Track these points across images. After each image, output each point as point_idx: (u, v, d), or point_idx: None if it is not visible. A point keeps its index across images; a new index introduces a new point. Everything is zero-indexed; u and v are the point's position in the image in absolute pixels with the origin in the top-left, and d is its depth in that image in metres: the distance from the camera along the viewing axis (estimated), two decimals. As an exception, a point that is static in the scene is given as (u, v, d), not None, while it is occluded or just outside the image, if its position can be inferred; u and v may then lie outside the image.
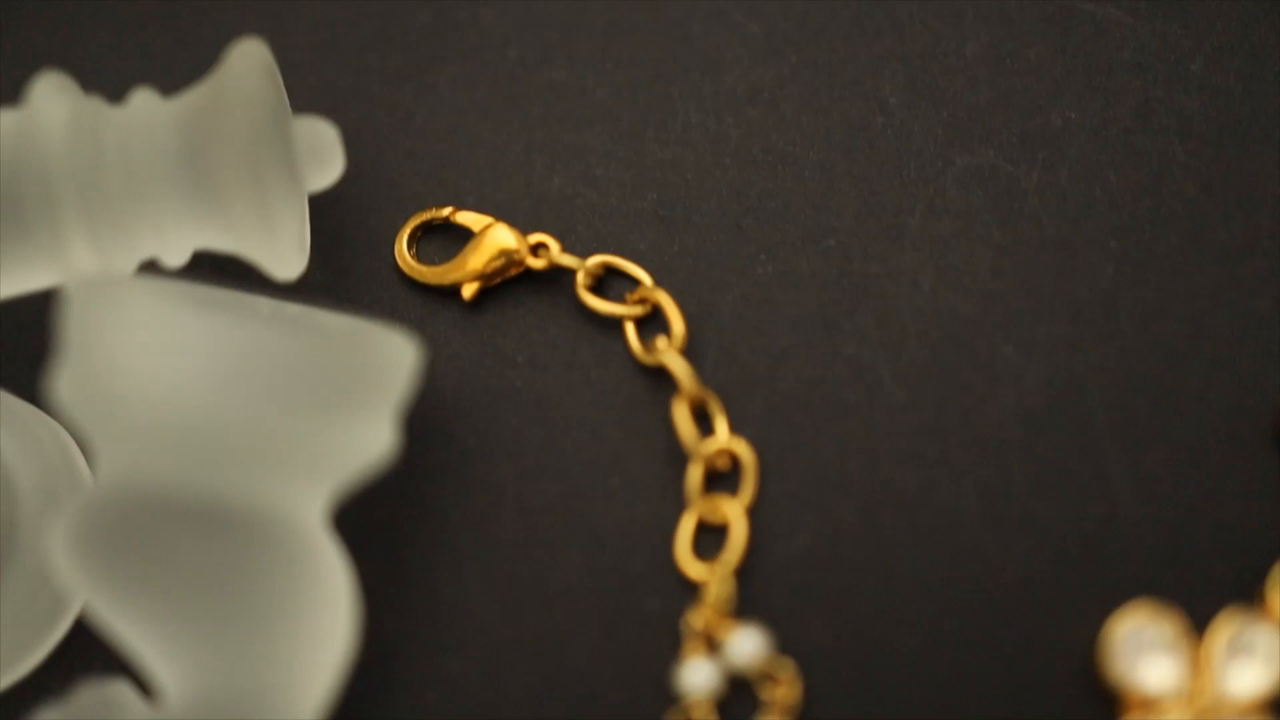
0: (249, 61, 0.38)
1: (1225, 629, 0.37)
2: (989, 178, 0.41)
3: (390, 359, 0.37)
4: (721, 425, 0.39)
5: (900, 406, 0.39)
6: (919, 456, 0.39)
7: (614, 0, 0.43)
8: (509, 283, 0.41)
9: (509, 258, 0.40)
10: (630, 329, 0.40)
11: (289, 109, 0.39)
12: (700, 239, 0.41)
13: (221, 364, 0.35)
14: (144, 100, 0.39)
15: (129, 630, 0.36)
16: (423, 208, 0.41)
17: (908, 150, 0.41)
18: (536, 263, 0.40)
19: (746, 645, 0.37)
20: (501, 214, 0.41)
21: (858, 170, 0.41)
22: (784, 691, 0.37)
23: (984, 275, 0.40)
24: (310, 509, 0.37)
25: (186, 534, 0.36)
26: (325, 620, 0.37)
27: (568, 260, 0.40)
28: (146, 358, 0.35)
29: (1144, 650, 0.37)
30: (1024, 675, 0.38)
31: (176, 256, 0.39)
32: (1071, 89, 0.41)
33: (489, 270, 0.40)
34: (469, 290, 0.40)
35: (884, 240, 0.40)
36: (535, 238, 0.40)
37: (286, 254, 0.39)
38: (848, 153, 0.41)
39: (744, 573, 0.39)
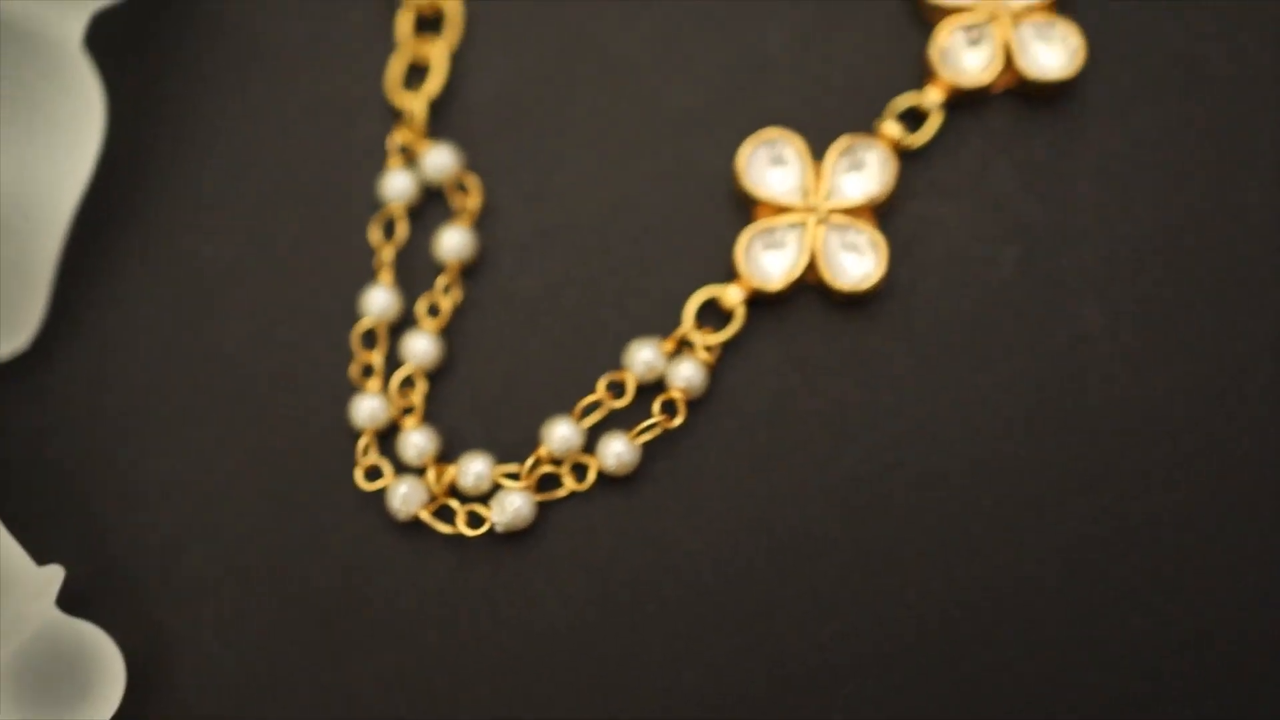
0: None
1: (840, 147, 0.43)
2: None
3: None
4: (433, -23, 0.45)
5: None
6: (606, 2, 0.45)
7: None
8: None
9: None
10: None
11: None
12: None
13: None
14: None
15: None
16: None
17: None
18: None
19: (439, 159, 0.44)
20: None
21: None
22: (472, 200, 0.44)
23: None
24: (75, 29, 0.43)
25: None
26: (80, 126, 0.43)
27: None
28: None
29: (770, 164, 0.43)
30: (679, 194, 0.44)
31: None
32: None
33: None
34: None
35: None
36: None
37: None
38: None
39: (445, 104, 0.45)
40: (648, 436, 0.42)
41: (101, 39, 0.45)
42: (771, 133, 0.43)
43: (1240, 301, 0.43)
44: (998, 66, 0.43)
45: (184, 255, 0.44)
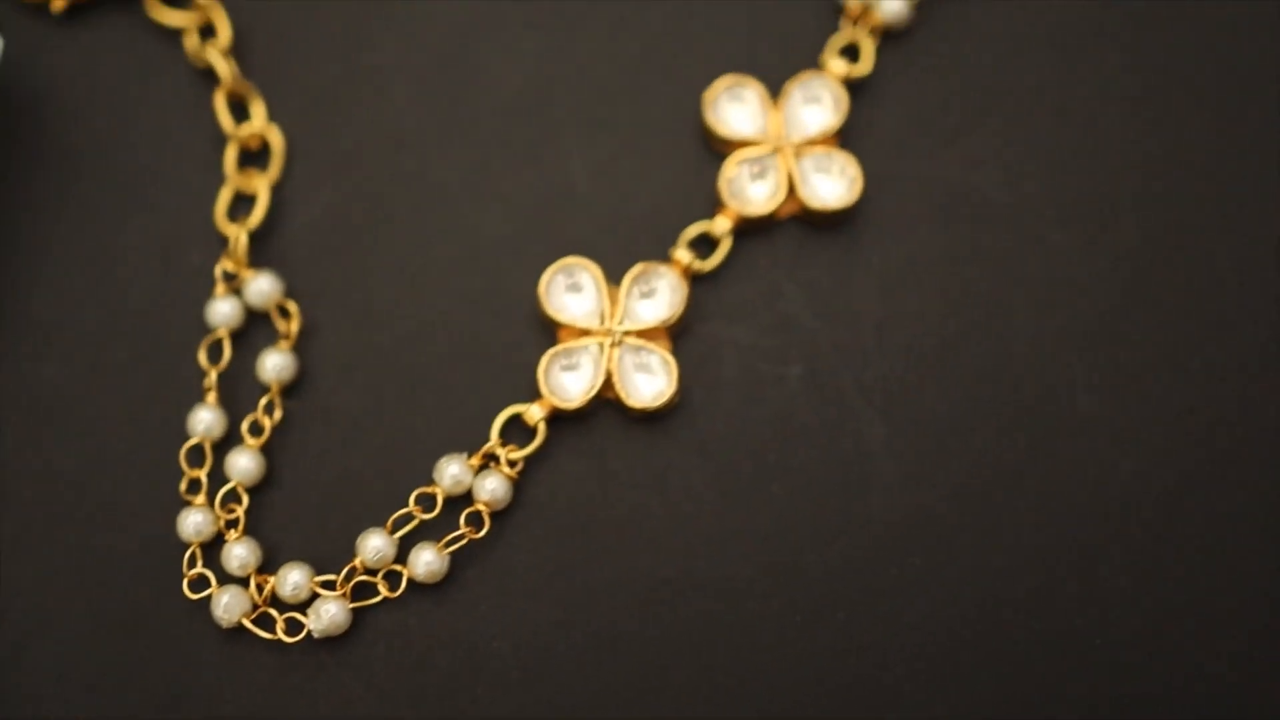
0: None
1: (634, 273, 0.46)
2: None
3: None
4: (258, 112, 0.48)
5: (408, 101, 0.48)
6: (423, 138, 0.48)
7: None
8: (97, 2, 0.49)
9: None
10: (190, 37, 0.49)
11: None
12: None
13: None
14: None
15: None
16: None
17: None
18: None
19: (261, 285, 0.47)
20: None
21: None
22: (293, 324, 0.47)
23: None
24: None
25: None
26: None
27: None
28: None
29: (568, 290, 0.46)
30: (489, 317, 0.47)
31: None
32: None
33: (75, -12, 0.49)
34: (58, 4, 0.49)
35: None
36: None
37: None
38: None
39: (268, 232, 0.48)
40: (455, 547, 0.45)
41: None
42: (570, 260, 0.46)
43: (1010, 417, 0.46)
44: (781, 196, 0.46)
45: (17, 378, 0.47)
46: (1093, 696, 0.44)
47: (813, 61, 0.48)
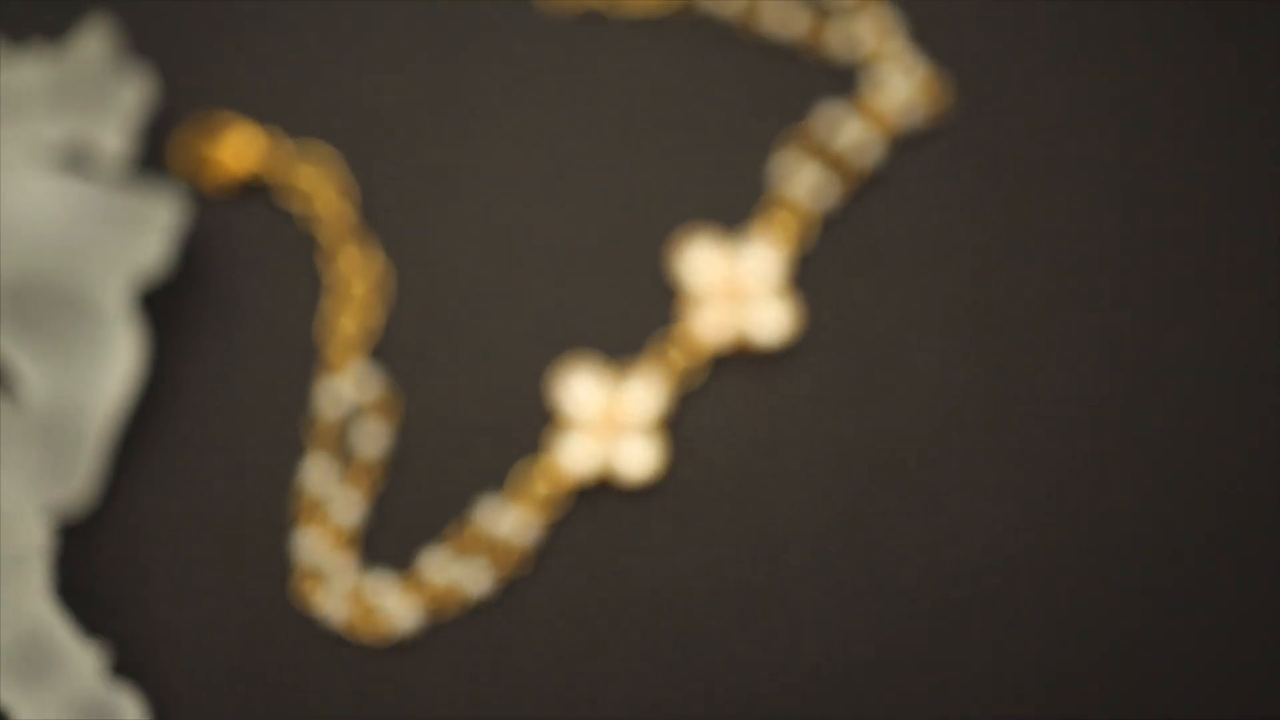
0: (92, 30, 0.65)
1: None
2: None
3: (160, 206, 0.64)
4: (368, 252, 0.67)
5: (479, 240, 0.67)
6: (488, 268, 0.67)
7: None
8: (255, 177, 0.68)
9: (251, 159, 0.68)
10: (319, 201, 0.67)
11: (120, 68, 0.66)
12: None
13: (63, 204, 0.62)
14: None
15: (13, 360, 0.63)
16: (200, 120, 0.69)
17: None
18: (265, 163, 0.68)
19: (369, 375, 0.65)
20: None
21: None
22: (392, 407, 0.65)
23: None
24: (116, 296, 0.64)
25: (43, 305, 0.63)
26: (119, 357, 0.64)
27: (283, 158, 0.68)
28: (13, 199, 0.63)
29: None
30: (510, 394, 0.66)
31: (40, 139, 0.66)
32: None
33: (237, 161, 0.68)
34: (221, 174, 0.67)
35: None
36: (271, 144, 0.68)
37: (113, 135, 0.66)
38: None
39: (378, 340, 0.66)
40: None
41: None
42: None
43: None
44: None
45: (202, 431, 0.65)
46: None
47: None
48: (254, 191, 0.68)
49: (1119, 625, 0.62)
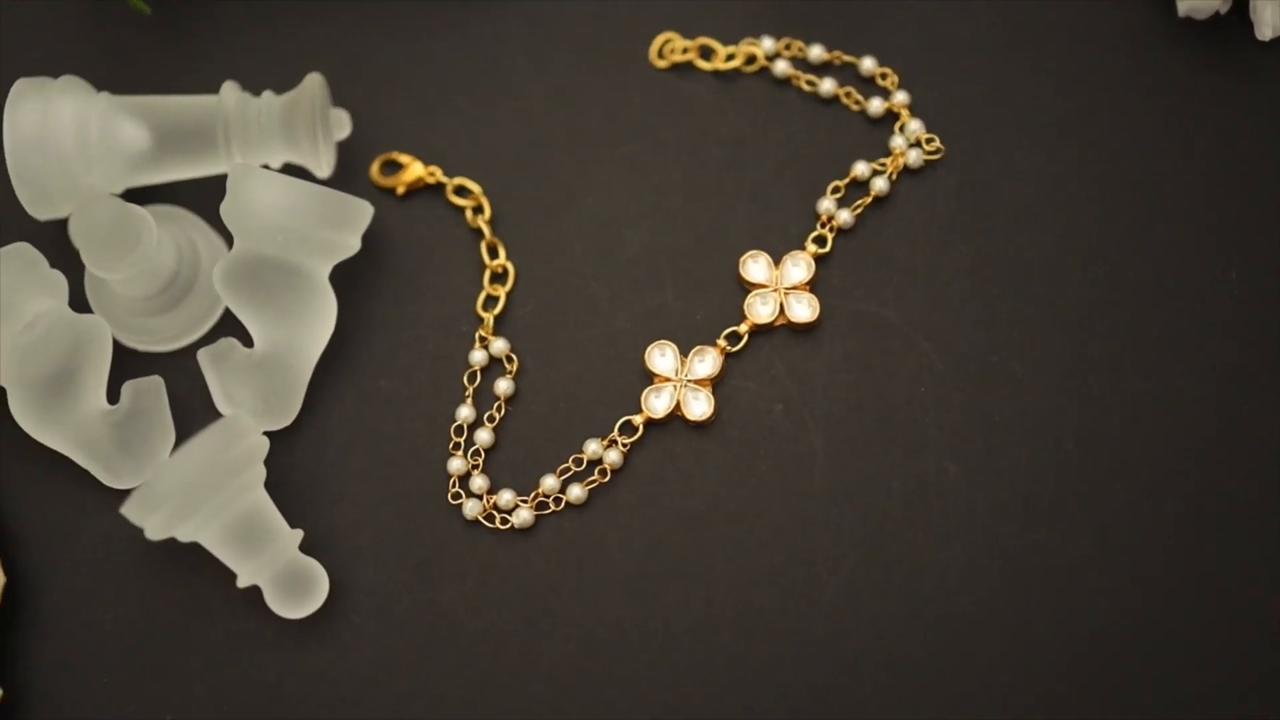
0: (314, 82, 0.89)
1: (694, 351, 0.86)
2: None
3: (360, 209, 0.87)
4: (502, 252, 0.89)
5: (580, 250, 0.89)
6: (591, 268, 0.89)
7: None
8: (421, 190, 0.91)
9: (421, 179, 0.91)
10: (468, 211, 0.90)
11: (330, 103, 0.89)
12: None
13: (292, 203, 0.86)
14: (267, 96, 0.89)
15: (245, 317, 0.87)
16: (384, 151, 0.92)
17: None
18: (430, 180, 0.91)
19: (499, 344, 0.88)
20: (424, 157, 0.92)
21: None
22: (514, 366, 0.88)
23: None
24: (324, 270, 0.87)
25: (271, 274, 0.86)
26: (324, 318, 0.87)
27: (443, 178, 0.90)
28: (259, 196, 0.86)
29: (659, 356, 0.86)
30: (619, 368, 0.87)
31: (276, 162, 0.89)
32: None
33: (410, 182, 0.91)
34: (401, 190, 0.90)
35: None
36: (433, 168, 0.91)
37: (325, 166, 0.90)
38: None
39: (504, 317, 0.89)
40: (591, 486, 0.85)
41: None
42: (661, 341, 0.86)
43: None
44: (776, 313, 0.86)
45: (372, 387, 0.88)
46: None
47: (799, 244, 0.88)
48: (422, 199, 0.91)
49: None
